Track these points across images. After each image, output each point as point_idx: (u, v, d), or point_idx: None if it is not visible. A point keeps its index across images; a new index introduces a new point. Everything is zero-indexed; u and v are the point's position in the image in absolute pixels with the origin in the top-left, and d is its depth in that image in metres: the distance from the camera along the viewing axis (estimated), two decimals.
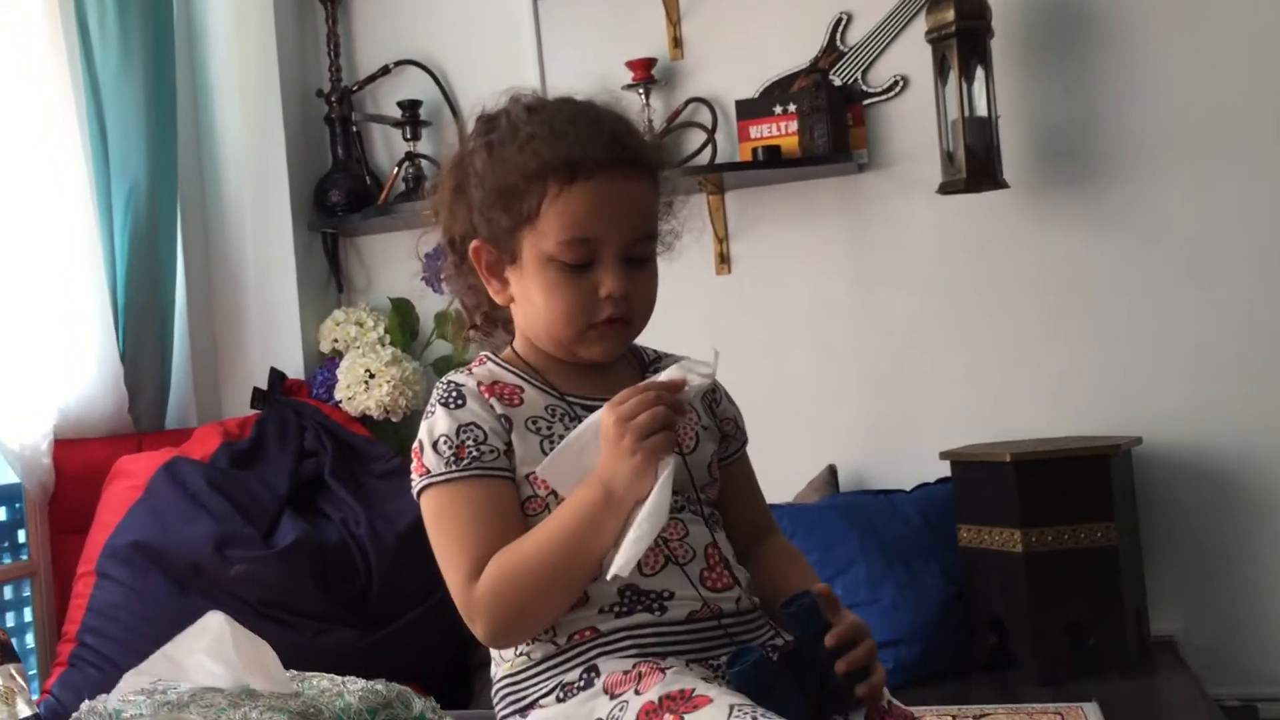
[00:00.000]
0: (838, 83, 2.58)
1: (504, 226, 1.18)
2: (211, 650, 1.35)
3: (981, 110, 2.41)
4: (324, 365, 2.72)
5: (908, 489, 2.47)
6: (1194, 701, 2.10)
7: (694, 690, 1.06)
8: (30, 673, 2.21)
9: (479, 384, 1.20)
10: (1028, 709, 2.05)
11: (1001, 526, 2.21)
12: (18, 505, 2.32)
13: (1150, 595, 2.36)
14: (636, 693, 1.09)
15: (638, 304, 1.19)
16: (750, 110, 2.61)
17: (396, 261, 2.81)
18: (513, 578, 1.12)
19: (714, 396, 1.31)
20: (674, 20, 2.67)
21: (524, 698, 1.17)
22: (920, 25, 2.48)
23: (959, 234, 2.53)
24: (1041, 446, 2.27)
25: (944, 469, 2.36)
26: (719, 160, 2.60)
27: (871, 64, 2.58)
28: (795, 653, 1.10)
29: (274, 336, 2.75)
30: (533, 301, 1.19)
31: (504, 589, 1.12)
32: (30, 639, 2.32)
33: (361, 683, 1.43)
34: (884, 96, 2.58)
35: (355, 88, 2.84)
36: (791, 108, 2.56)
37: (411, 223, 2.68)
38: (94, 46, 2.43)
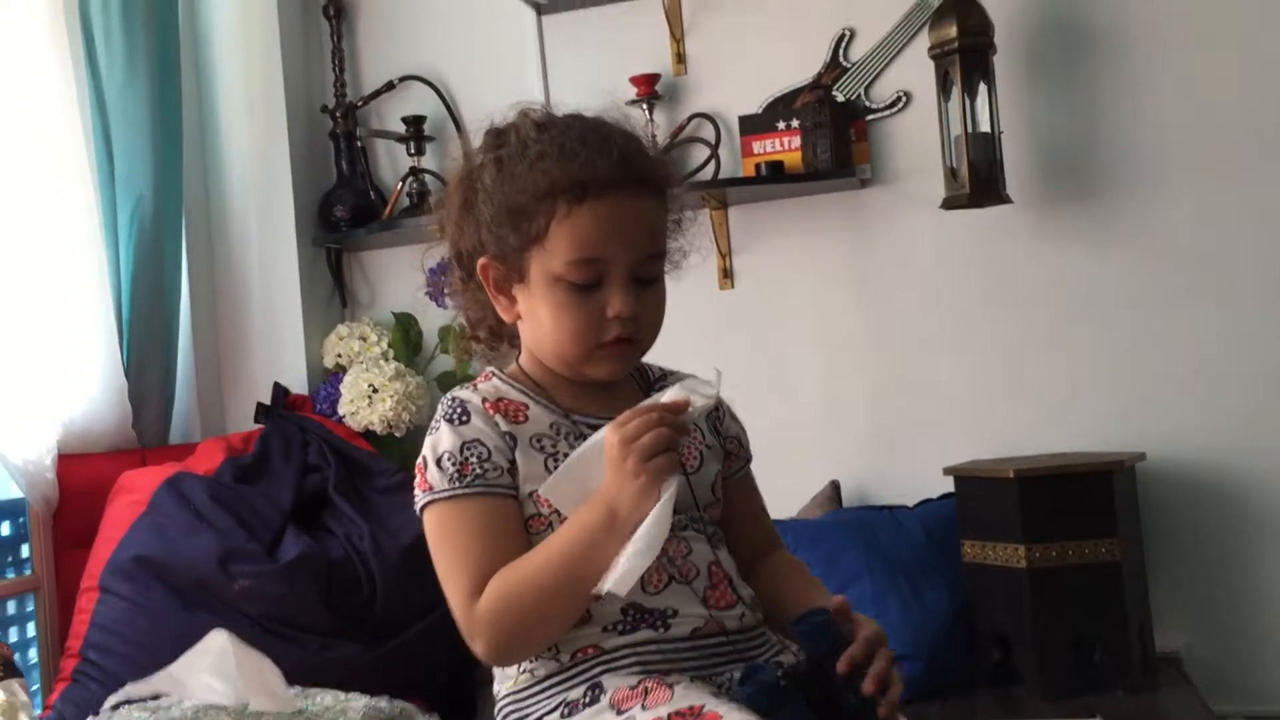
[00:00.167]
0: (841, 98, 2.58)
1: (512, 245, 1.18)
2: (215, 668, 1.35)
3: (984, 126, 2.41)
4: (327, 380, 2.72)
5: (911, 504, 2.47)
6: (1198, 718, 2.09)
7: (703, 706, 1.06)
8: (33, 688, 2.21)
9: (484, 400, 1.20)
10: None
11: (1005, 542, 2.20)
12: (21, 520, 2.32)
13: (1154, 611, 2.35)
14: (644, 708, 1.09)
15: (645, 324, 1.19)
16: (753, 126, 2.61)
17: (400, 276, 2.82)
18: (514, 596, 1.12)
19: (718, 414, 1.31)
20: (677, 36, 2.68)
21: (527, 715, 1.17)
22: (923, 41, 2.48)
23: (962, 249, 2.54)
24: (1045, 462, 2.27)
25: (948, 484, 2.35)
26: (722, 175, 2.61)
27: (874, 80, 2.59)
28: (807, 673, 1.10)
29: (278, 351, 2.75)
30: (540, 320, 1.19)
31: (505, 608, 1.12)
32: (34, 654, 2.32)
33: (365, 699, 1.43)
34: (887, 112, 2.58)
35: (360, 103, 2.85)
36: (795, 123, 2.57)
37: (415, 238, 2.69)
38: (100, 60, 2.44)
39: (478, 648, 1.15)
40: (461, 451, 1.16)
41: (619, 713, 1.11)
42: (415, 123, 2.76)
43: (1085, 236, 2.48)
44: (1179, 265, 2.43)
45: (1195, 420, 2.41)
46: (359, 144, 2.84)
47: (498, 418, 1.19)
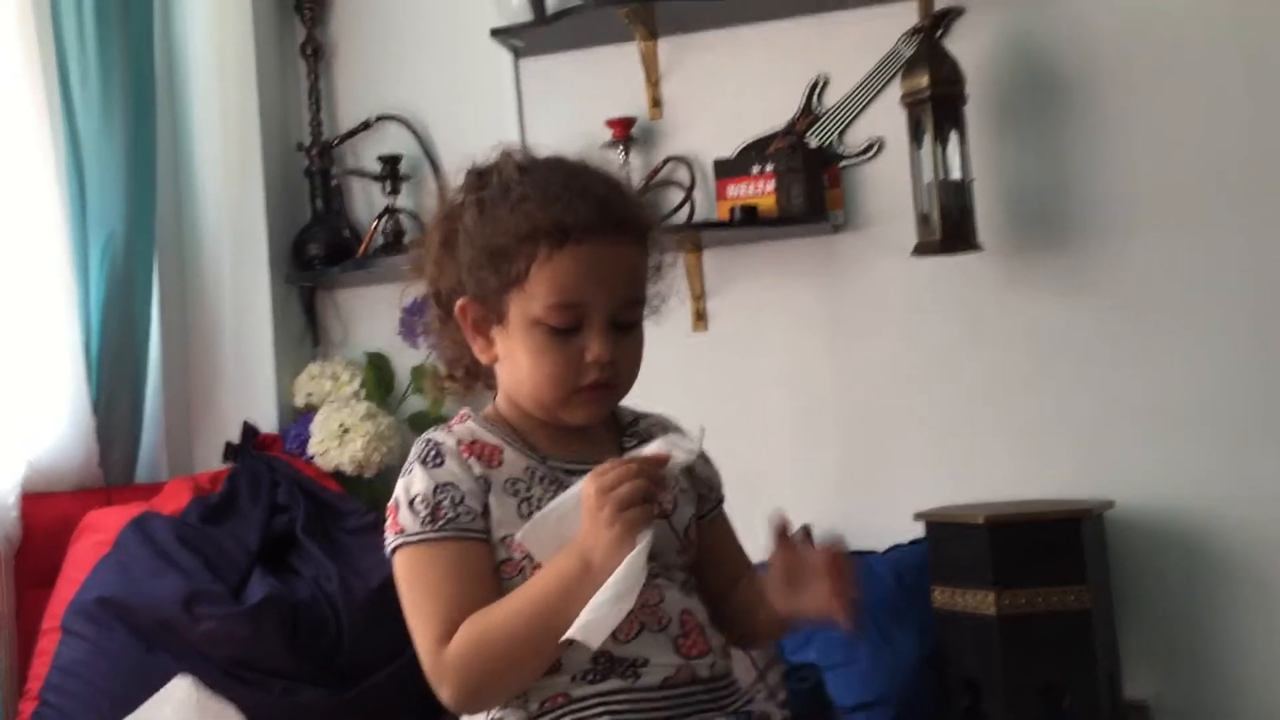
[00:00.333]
0: (814, 144, 2.61)
1: (492, 286, 1.18)
2: (177, 714, 1.33)
3: (956, 173, 2.44)
4: (298, 420, 2.70)
5: (882, 549, 2.47)
6: None
7: None
8: None
9: (459, 443, 1.19)
10: None
11: (975, 588, 2.20)
12: None
13: (1124, 659, 2.35)
14: None
15: (624, 369, 1.20)
16: (728, 170, 2.63)
17: (374, 315, 2.81)
18: (484, 643, 1.11)
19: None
20: (653, 80, 2.70)
21: None
22: (895, 90, 2.51)
23: (934, 295, 2.55)
24: (1015, 509, 2.28)
25: (918, 530, 2.36)
26: (697, 219, 2.62)
27: (848, 126, 2.62)
28: None
29: (248, 390, 2.73)
30: (518, 363, 1.19)
31: (474, 654, 1.11)
32: None
33: None
34: (860, 159, 2.61)
35: (336, 141, 2.85)
36: (769, 168, 2.59)
37: (390, 277, 2.68)
38: (74, 95, 2.43)
39: (444, 694, 1.14)
40: (435, 494, 1.16)
41: None
42: (391, 162, 2.77)
43: (1055, 284, 2.51)
44: (1147, 314, 2.46)
45: (1163, 469, 2.42)
46: (334, 182, 2.84)
47: (472, 460, 1.18)
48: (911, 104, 2.45)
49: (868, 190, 2.60)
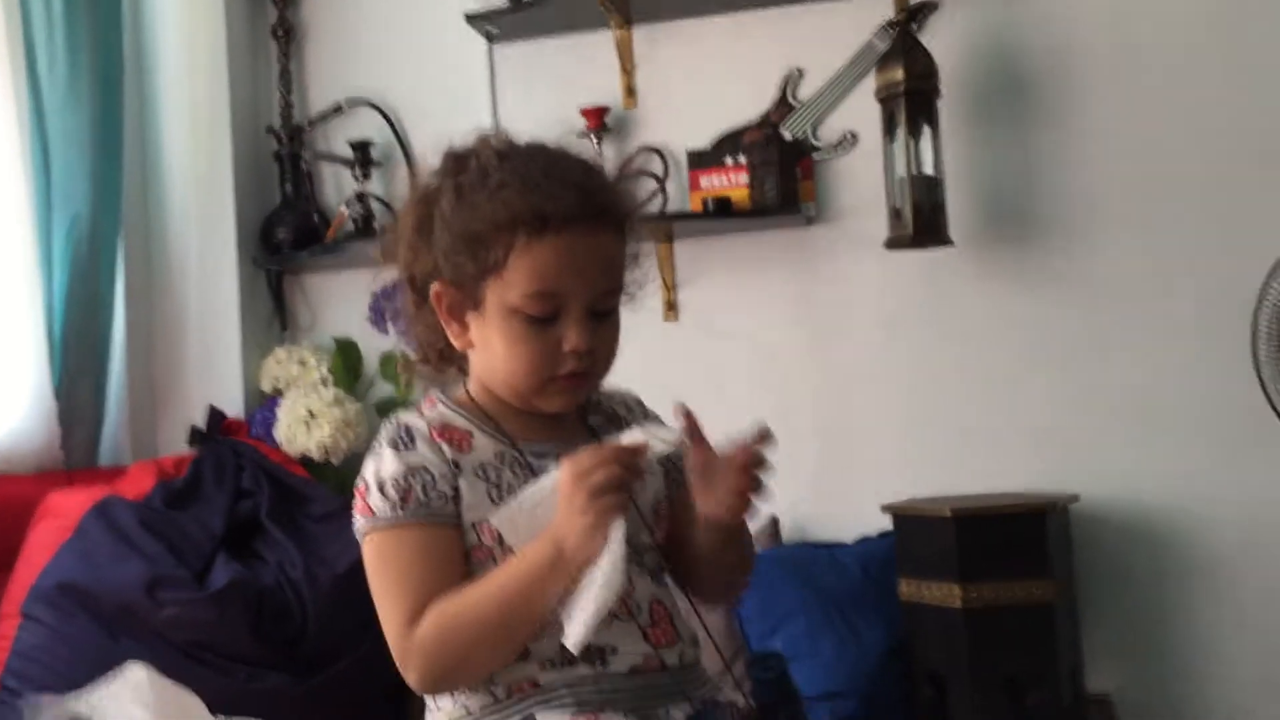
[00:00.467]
0: (788, 137, 2.61)
1: (469, 273, 1.17)
2: (136, 698, 1.32)
3: (928, 168, 2.44)
4: (264, 404, 2.68)
5: (850, 542, 2.48)
6: None
7: None
8: None
9: (430, 427, 1.18)
10: None
11: (941, 581, 2.21)
12: None
13: (1087, 652, 2.37)
14: None
15: (600, 357, 1.19)
16: (701, 161, 2.63)
17: (342, 301, 2.79)
18: (453, 627, 1.11)
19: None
20: (628, 69, 2.69)
21: None
22: (870, 83, 2.52)
23: (904, 289, 2.56)
24: (981, 502, 2.29)
25: (886, 522, 2.37)
26: (669, 209, 2.62)
27: (822, 119, 2.62)
28: None
29: (214, 374, 2.71)
30: (494, 350, 1.18)
31: (443, 638, 1.11)
32: None
33: None
34: (834, 152, 2.61)
35: (306, 125, 2.82)
36: (742, 159, 2.59)
37: (359, 262, 2.66)
38: (41, 74, 2.40)
39: (411, 676, 1.13)
40: (406, 478, 1.15)
41: None
42: (362, 147, 2.75)
43: (1024, 280, 2.52)
44: (1116, 310, 2.48)
45: (1129, 463, 2.44)
46: (304, 166, 2.81)
47: (443, 445, 1.17)
48: (885, 98, 2.46)
49: (841, 183, 2.61)
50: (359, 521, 1.16)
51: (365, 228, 2.72)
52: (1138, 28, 2.48)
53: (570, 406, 1.22)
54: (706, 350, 2.64)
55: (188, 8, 2.72)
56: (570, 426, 1.22)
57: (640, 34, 2.69)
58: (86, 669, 1.87)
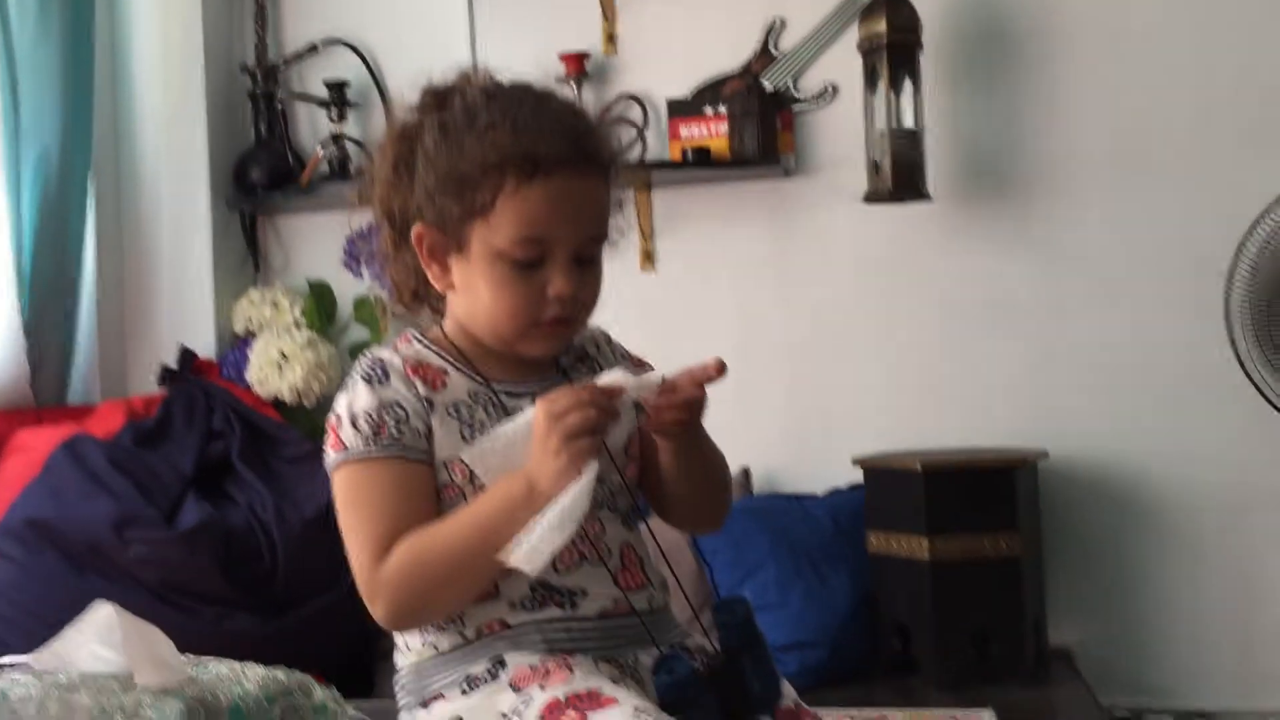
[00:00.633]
0: (769, 87, 2.59)
1: (453, 215, 1.15)
2: (103, 638, 1.31)
3: (908, 122, 2.44)
4: (236, 346, 2.66)
5: (820, 494, 2.49)
6: (1086, 710, 2.15)
7: (600, 690, 1.06)
8: None
9: (405, 363, 1.18)
10: (926, 714, 2.08)
11: (909, 533, 2.24)
12: None
13: (1050, 606, 2.41)
14: (541, 688, 1.08)
15: (583, 304, 1.18)
16: (681, 110, 2.61)
17: (317, 243, 2.77)
18: (421, 561, 1.11)
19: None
20: (609, 16, 2.66)
21: (427, 688, 1.16)
22: (853, 35, 2.50)
23: (881, 243, 2.56)
24: (951, 456, 2.31)
25: (857, 475, 2.38)
26: (648, 158, 2.60)
27: (803, 71, 2.60)
28: (722, 668, 1.10)
29: (185, 314, 2.69)
30: (477, 294, 1.16)
31: (411, 571, 1.11)
32: None
33: (261, 670, 1.40)
34: (814, 103, 2.60)
35: (282, 64, 2.78)
36: (722, 109, 2.57)
37: (334, 205, 2.64)
38: (9, 7, 2.35)
39: (376, 610, 1.13)
40: (379, 413, 1.14)
41: (517, 691, 1.10)
42: (338, 87, 2.71)
43: (1000, 237, 2.53)
44: (1089, 270, 2.49)
45: (1097, 421, 2.47)
46: (279, 106, 2.78)
47: (417, 381, 1.16)
48: (868, 50, 2.45)
49: (821, 136, 2.60)
50: (330, 455, 1.16)
51: (341, 170, 2.69)
52: None
53: (552, 352, 1.22)
54: (682, 300, 2.64)
55: None
56: (543, 366, 1.22)
57: None
58: (55, 605, 1.86)
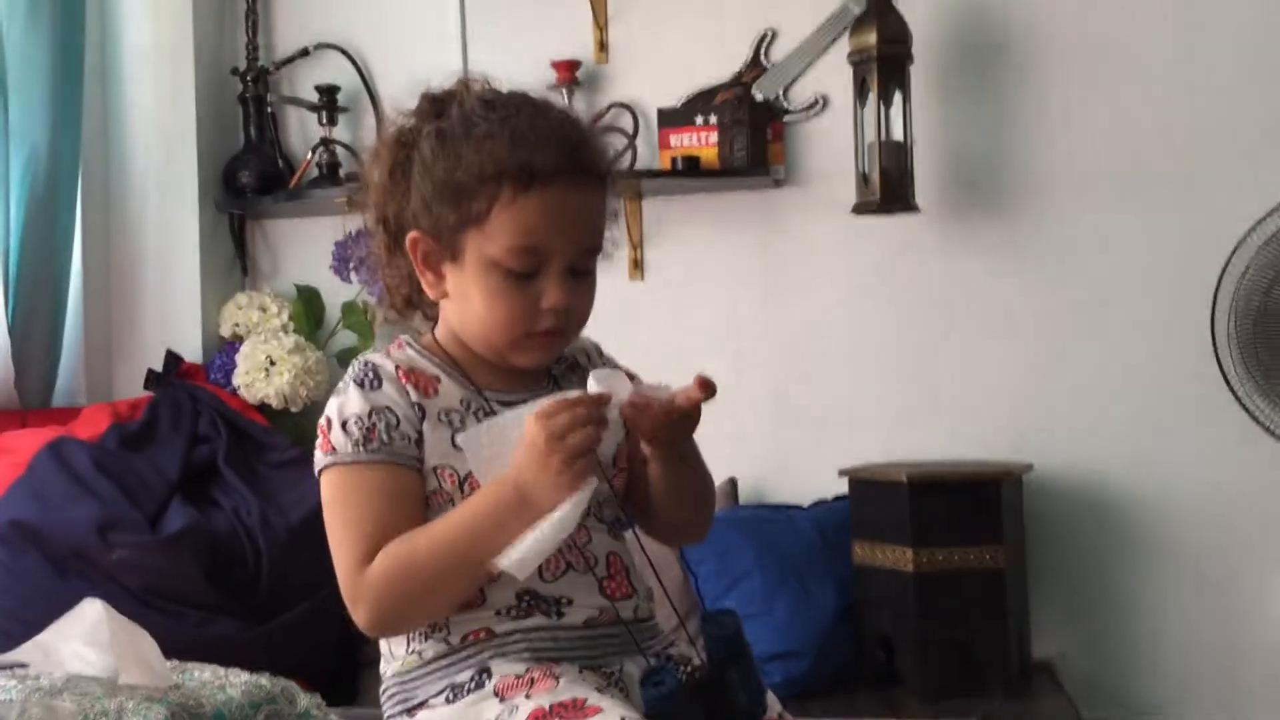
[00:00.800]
0: (760, 98, 2.60)
1: (449, 223, 1.15)
2: (88, 638, 1.31)
3: (898, 134, 2.45)
4: (223, 350, 2.66)
5: (806, 504, 2.50)
6: None
7: (586, 700, 1.06)
8: None
9: (397, 368, 1.18)
10: None
11: (894, 545, 2.24)
12: None
13: (1033, 619, 2.41)
14: (527, 697, 1.08)
15: (576, 316, 1.18)
16: (672, 119, 2.61)
17: (305, 248, 2.76)
18: (407, 567, 1.10)
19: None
20: (601, 24, 2.67)
21: (412, 697, 1.16)
22: (843, 47, 2.51)
23: (869, 254, 2.57)
24: (937, 468, 2.31)
25: (842, 486, 2.39)
26: (638, 167, 2.60)
27: (793, 81, 2.61)
28: (710, 680, 1.10)
29: (172, 317, 2.68)
30: (471, 303, 1.17)
31: (396, 577, 1.10)
32: None
33: (245, 676, 1.40)
34: (804, 114, 2.61)
35: (272, 68, 2.78)
36: (713, 119, 2.58)
37: (323, 209, 2.63)
38: None
39: (359, 615, 1.12)
40: (370, 417, 1.14)
41: (502, 700, 1.10)
42: (329, 92, 2.71)
43: (987, 250, 2.53)
44: (1075, 283, 2.50)
45: (1083, 436, 2.47)
46: (269, 110, 2.77)
47: (409, 387, 1.16)
48: (858, 62, 2.46)
49: (810, 147, 2.60)
50: (319, 458, 1.16)
51: (330, 174, 2.69)
52: (1111, 2, 2.49)
53: (543, 362, 1.22)
54: (670, 309, 2.64)
55: None
56: (534, 375, 1.22)
57: None
58: (37, 608, 1.85)
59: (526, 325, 1.16)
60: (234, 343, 2.66)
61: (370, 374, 1.16)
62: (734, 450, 2.58)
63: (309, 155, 2.71)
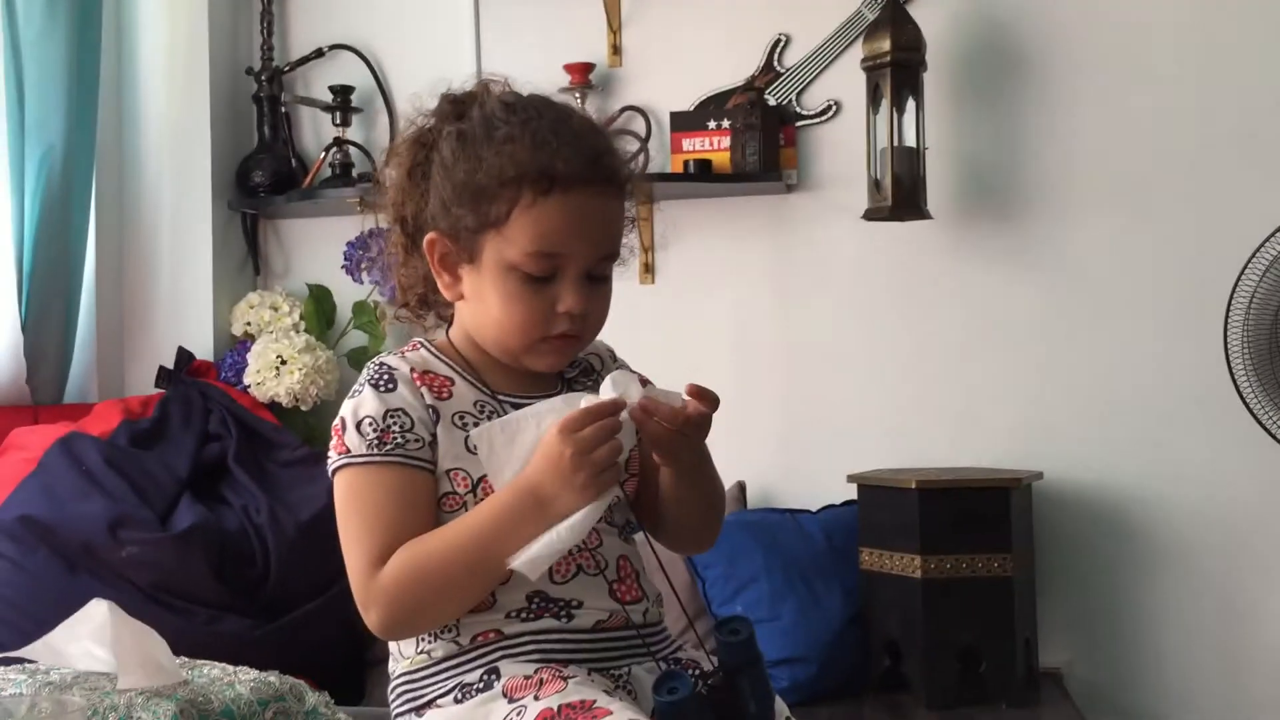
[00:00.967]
0: (772, 102, 2.60)
1: (467, 225, 1.15)
2: (97, 636, 1.31)
3: (910, 140, 2.45)
4: (235, 348, 2.67)
5: (815, 509, 2.50)
6: None
7: (594, 702, 1.06)
8: None
9: (412, 370, 1.18)
10: None
11: (902, 551, 2.24)
12: None
13: (1040, 627, 2.41)
14: (536, 699, 1.08)
15: (592, 321, 1.19)
16: (684, 123, 2.62)
17: (318, 247, 2.77)
18: (420, 570, 1.11)
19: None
20: (615, 28, 2.67)
21: (421, 696, 1.16)
22: (856, 52, 2.51)
23: (880, 261, 2.57)
24: (946, 475, 2.31)
25: (851, 491, 2.38)
26: (650, 170, 2.61)
27: (806, 87, 2.61)
28: (721, 687, 1.10)
29: (184, 315, 2.69)
30: (487, 305, 1.17)
31: (408, 580, 1.11)
32: None
33: (253, 673, 1.40)
34: (816, 120, 2.61)
35: (287, 68, 2.79)
36: (725, 123, 2.58)
37: (336, 209, 2.64)
38: (16, 3, 2.36)
39: (371, 618, 1.13)
40: (384, 418, 1.14)
41: (511, 701, 1.10)
42: (343, 93, 2.72)
43: (999, 257, 2.53)
44: (1087, 291, 2.49)
45: (1093, 444, 2.47)
46: (283, 110, 2.78)
47: (424, 389, 1.17)
48: (871, 68, 2.46)
49: (822, 152, 2.60)
50: (333, 458, 1.16)
51: (343, 174, 2.69)
52: (1125, 11, 2.49)
53: (558, 366, 1.22)
54: (681, 313, 2.64)
55: None
56: (548, 379, 1.22)
57: None
58: (47, 604, 1.86)
59: (542, 329, 1.16)
60: (245, 341, 2.67)
61: (385, 376, 1.16)
62: (743, 454, 2.58)
63: (322, 155, 2.72)
